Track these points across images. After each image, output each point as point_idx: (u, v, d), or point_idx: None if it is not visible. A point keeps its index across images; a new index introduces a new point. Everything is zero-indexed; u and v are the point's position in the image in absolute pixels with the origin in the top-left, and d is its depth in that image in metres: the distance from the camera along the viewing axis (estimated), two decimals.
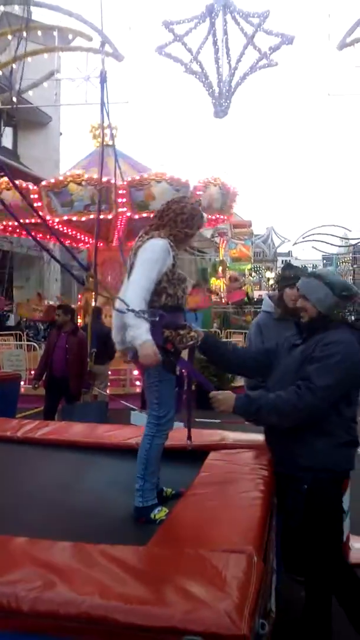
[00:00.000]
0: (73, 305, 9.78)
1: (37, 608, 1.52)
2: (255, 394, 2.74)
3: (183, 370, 2.81)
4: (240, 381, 12.10)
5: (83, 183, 10.21)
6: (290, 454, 2.53)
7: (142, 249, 2.62)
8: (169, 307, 2.58)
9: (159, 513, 2.52)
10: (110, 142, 8.06)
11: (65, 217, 10.70)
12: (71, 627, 1.52)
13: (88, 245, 13.41)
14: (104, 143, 9.82)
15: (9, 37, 11.18)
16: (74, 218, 10.67)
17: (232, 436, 3.46)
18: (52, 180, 10.72)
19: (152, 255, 2.56)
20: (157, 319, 2.53)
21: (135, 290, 2.52)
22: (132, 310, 2.45)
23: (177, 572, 1.65)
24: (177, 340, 2.57)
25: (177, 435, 3.61)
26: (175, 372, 2.63)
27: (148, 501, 2.56)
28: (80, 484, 3.10)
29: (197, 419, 7.69)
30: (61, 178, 10.67)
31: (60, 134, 23.09)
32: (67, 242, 14.60)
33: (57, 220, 10.82)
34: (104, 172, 8.08)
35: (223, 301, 20.34)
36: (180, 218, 2.69)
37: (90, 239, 12.84)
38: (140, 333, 2.46)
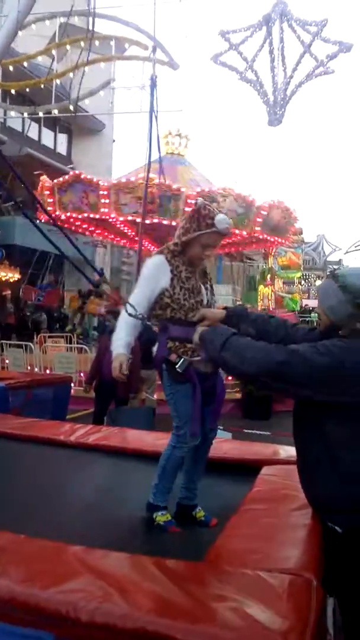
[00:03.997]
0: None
1: (95, 619, 1.53)
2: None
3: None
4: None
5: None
6: None
7: None
8: (176, 320, 2.57)
9: (161, 517, 2.58)
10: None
11: (130, 218, 11.41)
12: None
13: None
14: (172, 152, 10.08)
15: (68, 47, 11.46)
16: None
17: (285, 451, 3.40)
18: (124, 180, 11.41)
19: (145, 272, 2.66)
20: (161, 329, 2.57)
21: (127, 303, 2.63)
22: (132, 313, 2.53)
23: (236, 592, 1.62)
24: (182, 352, 2.54)
25: (225, 446, 3.60)
26: (184, 381, 2.55)
27: (157, 501, 2.62)
28: (125, 492, 3.12)
29: (245, 430, 7.64)
30: (133, 179, 11.29)
31: (114, 140, 23.49)
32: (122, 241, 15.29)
33: (120, 219, 11.65)
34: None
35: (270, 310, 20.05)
36: (182, 227, 2.62)
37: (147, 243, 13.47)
38: (116, 345, 2.61)
